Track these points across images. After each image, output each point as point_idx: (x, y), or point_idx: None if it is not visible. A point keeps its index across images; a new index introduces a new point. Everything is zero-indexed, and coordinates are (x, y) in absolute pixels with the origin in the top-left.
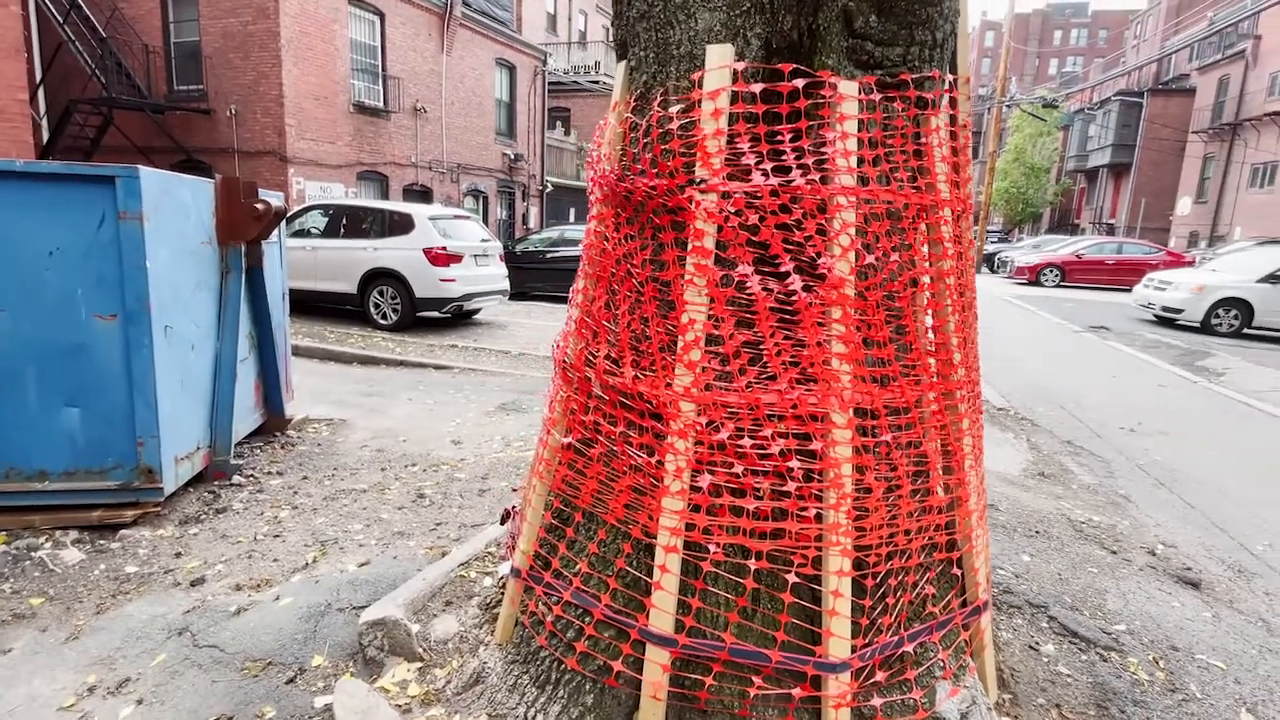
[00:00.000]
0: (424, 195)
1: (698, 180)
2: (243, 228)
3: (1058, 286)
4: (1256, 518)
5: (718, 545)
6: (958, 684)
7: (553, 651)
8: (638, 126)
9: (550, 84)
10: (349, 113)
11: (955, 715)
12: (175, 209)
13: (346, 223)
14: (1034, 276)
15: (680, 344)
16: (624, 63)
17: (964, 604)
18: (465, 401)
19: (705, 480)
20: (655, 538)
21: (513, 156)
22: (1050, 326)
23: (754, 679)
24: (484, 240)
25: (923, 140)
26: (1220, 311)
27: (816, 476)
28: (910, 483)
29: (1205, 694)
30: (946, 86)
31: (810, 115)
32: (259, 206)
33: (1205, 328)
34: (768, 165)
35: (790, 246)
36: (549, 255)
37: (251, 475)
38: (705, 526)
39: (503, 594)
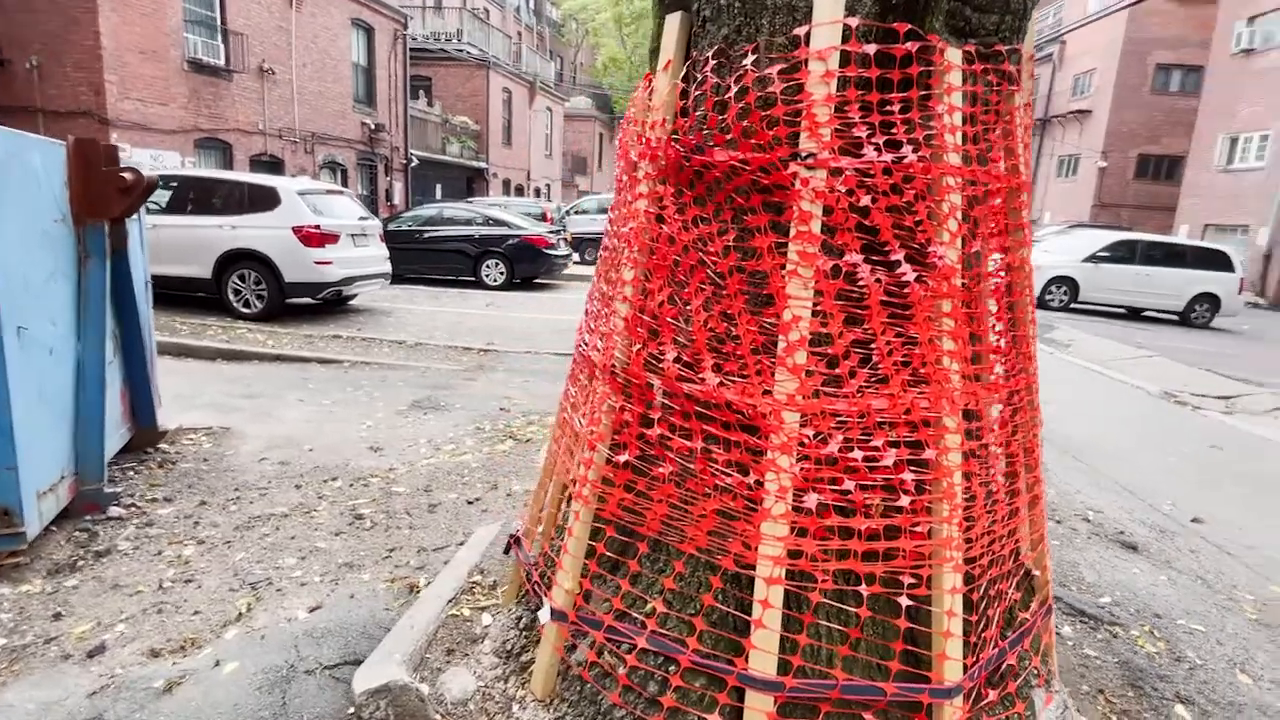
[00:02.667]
0: (274, 167)
1: (803, 154)
2: (104, 202)
3: None
4: (1151, 480)
5: (825, 573)
6: (1050, 690)
7: (631, 710)
8: (720, 89)
9: (411, 51)
10: (183, 71)
11: None
12: (25, 177)
13: (195, 197)
14: None
15: (782, 345)
16: (679, 14)
17: (1040, 604)
18: (370, 400)
19: (812, 500)
20: (752, 568)
21: (373, 127)
22: None
23: (864, 715)
24: (362, 218)
25: (1008, 118)
26: (1053, 288)
27: (928, 488)
28: (1004, 485)
29: (1203, 659)
30: (1024, 61)
31: (920, 84)
32: (126, 176)
33: (1040, 303)
34: (879, 139)
35: (900, 232)
36: (426, 235)
37: (133, 505)
38: (813, 553)
39: (526, 638)
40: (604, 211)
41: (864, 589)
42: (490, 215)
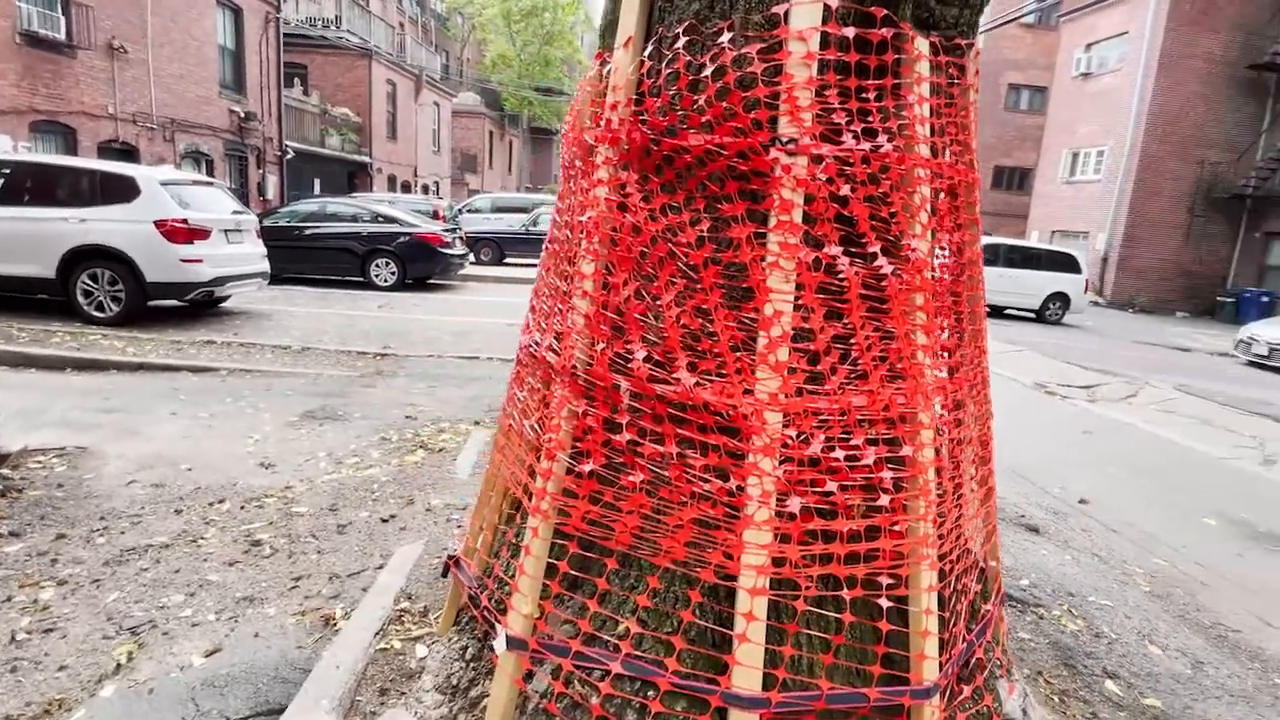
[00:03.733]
0: (127, 155)
1: (784, 139)
2: None
3: None
4: (1038, 465)
5: (809, 579)
6: (1011, 679)
7: None
8: (695, 68)
9: (286, 36)
10: (15, 44)
11: (1019, 712)
12: None
13: (33, 186)
14: None
15: (763, 341)
16: None
17: (996, 595)
18: (255, 412)
19: (794, 504)
20: (733, 579)
21: (243, 115)
22: None
23: None
24: (236, 212)
25: (964, 112)
26: None
27: (904, 485)
28: (967, 479)
29: (1116, 633)
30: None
31: (894, 72)
32: None
33: None
34: (858, 126)
35: (876, 224)
36: (308, 232)
37: None
38: (796, 560)
39: (474, 670)
40: (499, 211)
41: (845, 593)
42: (380, 212)
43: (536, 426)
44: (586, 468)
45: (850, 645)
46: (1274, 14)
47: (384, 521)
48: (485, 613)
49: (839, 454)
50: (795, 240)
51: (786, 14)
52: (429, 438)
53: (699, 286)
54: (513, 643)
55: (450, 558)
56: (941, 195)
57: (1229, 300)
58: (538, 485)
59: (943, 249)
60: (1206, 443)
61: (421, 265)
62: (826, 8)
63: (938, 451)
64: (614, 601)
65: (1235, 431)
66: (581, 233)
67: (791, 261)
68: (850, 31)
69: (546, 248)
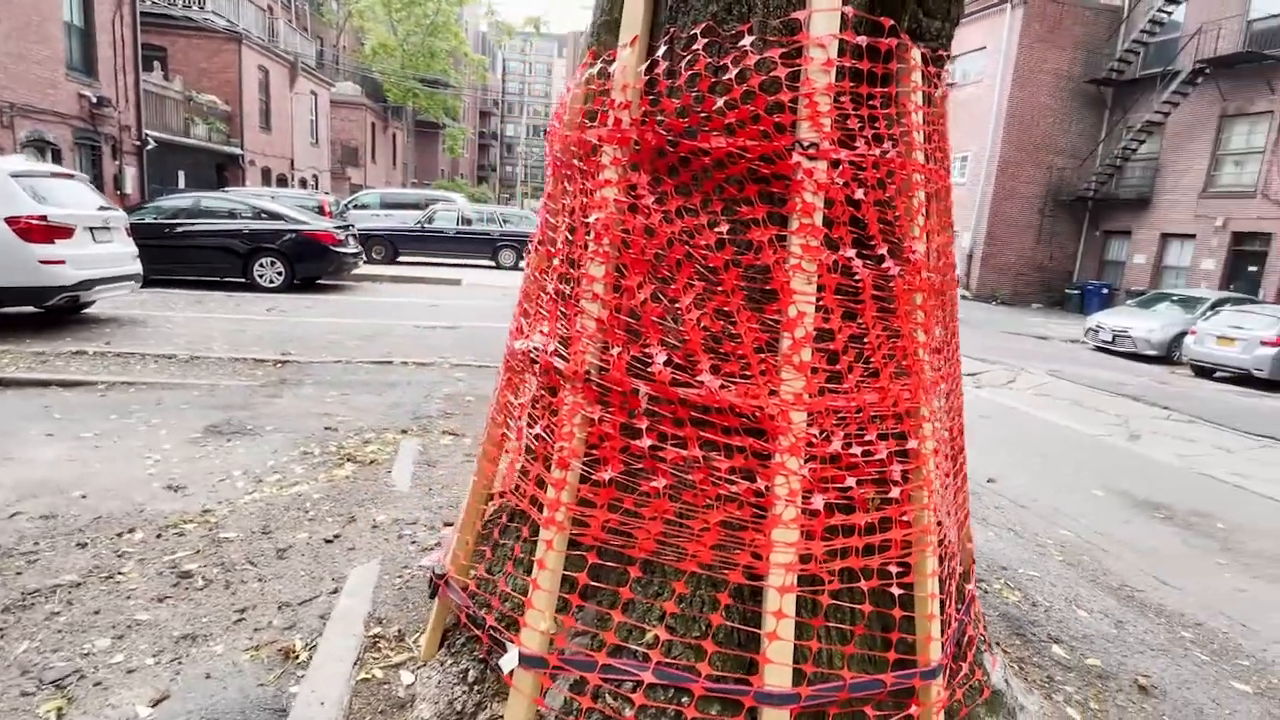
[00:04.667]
0: None
1: (805, 144)
2: None
3: None
4: None
5: (831, 573)
6: (993, 653)
7: None
8: (719, 69)
9: (143, 15)
10: None
11: (1003, 683)
12: None
13: None
14: None
15: (787, 342)
16: None
17: (971, 575)
18: (148, 429)
19: (818, 501)
20: (760, 579)
21: (94, 100)
22: None
23: (867, 711)
24: (103, 208)
25: (942, 121)
26: None
27: (910, 477)
28: (953, 466)
29: (1048, 601)
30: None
31: (897, 81)
32: None
33: None
34: (869, 133)
35: (883, 227)
36: (180, 230)
37: None
38: (820, 555)
39: (480, 693)
40: (389, 207)
41: (863, 584)
42: (262, 207)
43: (545, 435)
44: (606, 475)
45: (873, 634)
46: (1111, 34)
47: (328, 542)
48: (492, 632)
49: (856, 450)
50: (816, 243)
51: (808, 20)
52: (355, 450)
53: (720, 289)
54: (529, 661)
55: (437, 577)
56: (930, 200)
57: (1075, 292)
58: (550, 496)
59: (935, 250)
60: (1082, 422)
61: (311, 265)
62: (843, 15)
63: (936, 443)
64: (639, 610)
65: (1103, 411)
66: (588, 234)
67: (814, 264)
68: (863, 40)
69: (536, 249)
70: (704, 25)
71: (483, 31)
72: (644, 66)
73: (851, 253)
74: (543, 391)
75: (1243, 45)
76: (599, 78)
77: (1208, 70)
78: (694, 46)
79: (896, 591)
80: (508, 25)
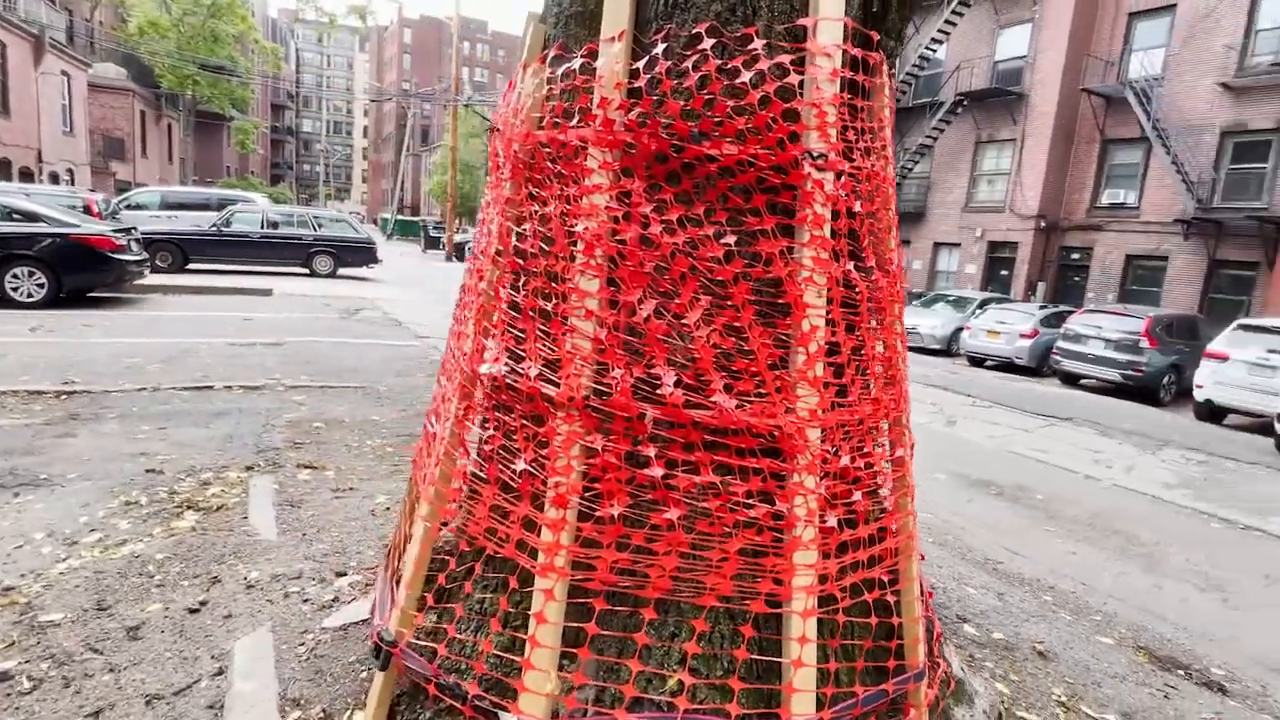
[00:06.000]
0: None
1: (815, 154)
2: None
3: None
4: None
5: (843, 590)
6: (948, 643)
7: None
8: (731, 73)
9: None
10: None
11: (960, 671)
12: None
13: None
14: None
15: (802, 357)
16: None
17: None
18: None
19: (832, 519)
20: (787, 604)
21: None
22: None
23: None
24: None
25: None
26: None
27: (897, 485)
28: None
29: (942, 582)
30: None
31: (873, 95)
32: None
33: None
34: (862, 145)
35: (873, 238)
36: None
37: None
38: (833, 573)
39: None
40: (171, 207)
41: (867, 596)
42: (15, 206)
43: (533, 469)
44: (613, 510)
45: (876, 646)
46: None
47: (193, 612)
48: (477, 702)
49: (860, 463)
50: (827, 255)
51: (813, 28)
52: (193, 494)
53: (729, 303)
54: None
55: (385, 643)
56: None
57: None
58: (546, 539)
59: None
60: None
61: (83, 275)
62: (845, 26)
63: (911, 449)
64: (657, 655)
65: (921, 401)
66: (573, 245)
67: (824, 276)
68: (858, 52)
69: (493, 260)
70: (708, 25)
71: (272, 18)
72: (641, 64)
73: (851, 265)
74: (527, 422)
75: (991, 82)
76: (580, 73)
77: (965, 102)
78: (698, 46)
79: (891, 599)
80: (331, 14)
